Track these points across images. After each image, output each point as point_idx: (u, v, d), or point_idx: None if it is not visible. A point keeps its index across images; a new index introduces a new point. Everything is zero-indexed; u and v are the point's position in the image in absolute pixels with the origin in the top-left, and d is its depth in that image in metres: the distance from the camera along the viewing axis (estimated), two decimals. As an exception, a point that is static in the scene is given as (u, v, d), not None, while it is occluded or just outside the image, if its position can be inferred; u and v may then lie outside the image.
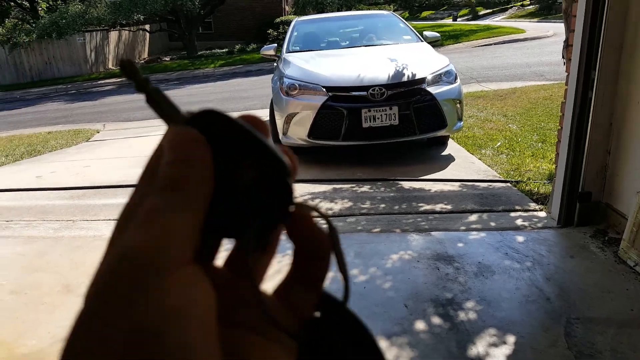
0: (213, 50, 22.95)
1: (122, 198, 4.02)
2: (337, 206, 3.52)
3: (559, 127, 3.09)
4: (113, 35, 21.51)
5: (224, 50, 22.55)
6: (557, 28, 21.14)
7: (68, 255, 3.02)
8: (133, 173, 4.81)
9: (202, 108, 0.26)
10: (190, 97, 11.36)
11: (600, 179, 2.89)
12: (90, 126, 8.47)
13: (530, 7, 38.36)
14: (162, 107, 0.26)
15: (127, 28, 21.02)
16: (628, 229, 2.48)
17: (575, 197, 2.92)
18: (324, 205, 3.55)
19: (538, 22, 28.70)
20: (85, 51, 19.66)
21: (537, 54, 13.04)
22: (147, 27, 23.21)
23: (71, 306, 2.42)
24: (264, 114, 7.49)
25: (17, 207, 4.07)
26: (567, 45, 3.45)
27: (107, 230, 3.37)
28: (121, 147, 6.32)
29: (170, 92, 12.83)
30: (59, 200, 4.14)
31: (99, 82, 17.09)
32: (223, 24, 27.54)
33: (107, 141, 6.93)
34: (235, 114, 0.27)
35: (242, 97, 10.57)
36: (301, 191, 3.89)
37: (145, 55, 25.20)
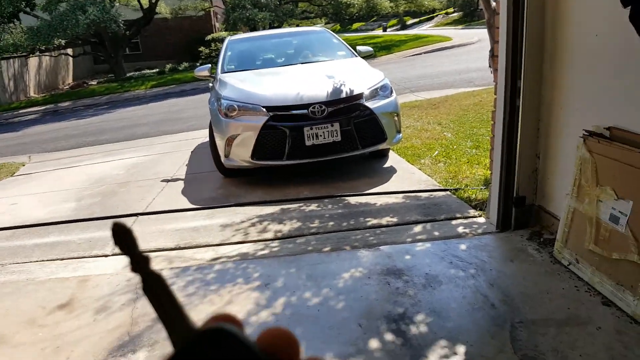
0: (143, 71, 22.24)
1: (55, 236, 3.78)
2: (285, 227, 3.50)
3: (491, 135, 3.26)
4: (32, 61, 20.25)
5: (155, 70, 21.95)
6: (481, 34, 22.39)
7: None
8: (66, 208, 4.53)
9: (214, 325, 0.22)
10: (121, 122, 10.93)
11: (532, 183, 3.07)
12: (14, 159, 7.88)
13: (454, 14, 40.52)
14: (163, 304, 0.21)
15: (47, 53, 19.89)
16: (560, 230, 2.65)
17: (510, 202, 3.07)
18: (273, 228, 3.52)
19: (462, 29, 30.32)
20: (3, 79, 18.37)
21: (464, 60, 13.75)
22: (69, 51, 22.07)
23: (4, 359, 2.23)
24: (202, 135, 7.37)
25: None
26: (493, 55, 3.66)
27: (41, 272, 3.14)
28: (50, 180, 5.94)
29: (100, 117, 12.31)
30: None
31: (21, 111, 16.00)
32: (151, 43, 26.80)
33: (34, 174, 6.48)
34: (251, 338, 0.22)
35: (178, 118, 10.30)
36: (248, 214, 3.83)
37: (70, 80, 24.02)
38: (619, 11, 2.13)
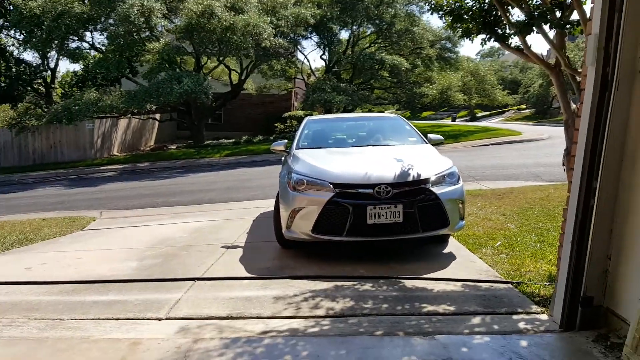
0: (220, 140, 23.83)
1: (113, 295, 3.91)
2: (338, 305, 3.46)
3: (561, 232, 3.14)
4: (122, 122, 22.25)
5: (231, 140, 23.43)
6: (552, 131, 22.12)
7: (51, 359, 2.85)
8: (127, 267, 4.74)
9: None
10: (192, 186, 11.60)
11: (601, 284, 2.89)
12: (86, 213, 8.49)
13: (526, 111, 40.40)
14: None
15: (137, 116, 21.85)
16: (630, 335, 2.43)
17: (577, 301, 2.89)
18: (325, 304, 3.49)
19: (534, 125, 30.04)
20: (93, 137, 20.24)
21: (533, 155, 13.50)
22: (157, 115, 24.22)
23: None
24: (265, 205, 7.65)
25: (1, 302, 3.87)
26: (569, 154, 3.63)
27: (95, 330, 3.22)
28: (117, 237, 6.30)
29: (173, 179, 13.19)
30: (47, 296, 3.96)
31: (101, 167, 17.42)
32: (232, 115, 28.89)
33: (103, 230, 6.91)
34: None
35: (245, 187, 10.78)
36: (301, 288, 3.84)
37: (152, 142, 26.05)
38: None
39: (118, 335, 3.14)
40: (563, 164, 4.86)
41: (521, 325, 3.03)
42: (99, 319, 3.45)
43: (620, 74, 2.71)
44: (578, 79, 3.97)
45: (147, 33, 19.65)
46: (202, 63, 22.09)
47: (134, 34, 18.67)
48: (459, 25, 4.90)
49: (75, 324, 3.39)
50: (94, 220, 7.72)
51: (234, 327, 3.17)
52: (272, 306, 3.50)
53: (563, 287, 2.95)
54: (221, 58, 21.23)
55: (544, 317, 3.13)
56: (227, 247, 5.26)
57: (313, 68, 28.42)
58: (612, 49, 2.71)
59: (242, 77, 23.38)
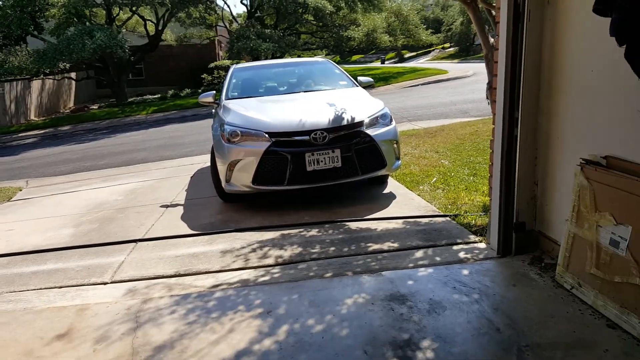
0: (144, 97, 22.53)
1: (52, 264, 3.74)
2: (286, 253, 3.49)
3: (490, 163, 3.30)
4: (35, 84, 20.49)
5: (157, 96, 22.25)
6: (476, 68, 22.93)
7: None
8: (63, 234, 4.51)
9: None
10: (121, 146, 11.00)
11: (531, 209, 3.10)
12: (11, 184, 7.86)
13: (451, 49, 41.45)
14: None
15: (51, 77, 20.14)
16: (561, 255, 2.66)
17: (510, 228, 3.10)
18: (273, 253, 3.51)
19: (458, 62, 30.98)
20: (5, 102, 18.52)
21: (460, 92, 14.00)
22: (73, 75, 22.43)
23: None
24: (202, 160, 7.42)
25: None
26: (491, 87, 3.75)
27: (38, 300, 3.08)
28: (48, 205, 5.91)
29: (99, 141, 12.41)
30: None
31: (20, 134, 16.10)
32: (154, 69, 27.26)
33: (32, 199, 6.46)
34: None
35: (178, 143, 10.37)
36: (248, 240, 3.83)
37: (71, 104, 24.26)
38: (614, 49, 2.21)
39: (63, 303, 3.00)
40: (487, 98, 5.06)
41: (461, 254, 3.22)
42: (40, 289, 3.29)
43: (531, 5, 2.78)
44: (493, 12, 4.06)
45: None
46: (114, 15, 20.39)
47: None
48: None
49: (15, 296, 3.21)
50: (20, 190, 7.16)
51: (183, 284, 3.12)
52: (220, 260, 3.47)
53: (496, 215, 3.14)
54: (134, 8, 19.67)
55: (482, 245, 3.34)
56: (167, 206, 5.09)
57: (235, 14, 27.05)
58: None
59: (159, 28, 21.91)
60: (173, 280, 3.21)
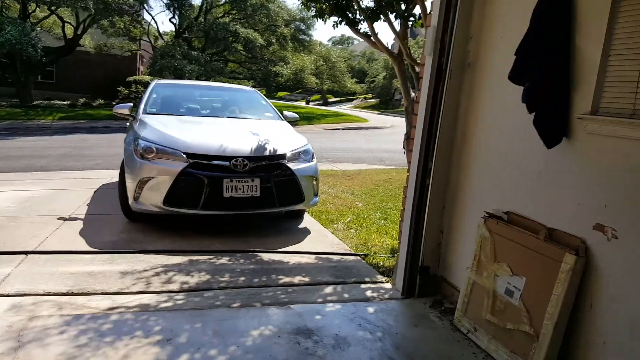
0: (52, 102, 20.92)
1: None
2: (193, 279, 3.34)
3: (402, 208, 3.47)
4: None
5: (66, 102, 20.78)
6: (394, 121, 24.34)
7: None
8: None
9: None
10: (20, 150, 10.02)
11: (436, 255, 3.29)
12: None
13: (372, 100, 43.72)
14: None
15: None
16: (461, 300, 2.83)
17: (416, 271, 3.25)
18: (179, 279, 3.34)
19: (378, 114, 32.69)
20: None
21: (378, 141, 14.73)
22: (-29, 68, 20.32)
23: None
24: (108, 175, 6.97)
25: None
26: (409, 138, 3.99)
27: None
28: None
29: (-5, 142, 11.07)
30: None
31: None
32: (68, 75, 25.53)
33: None
34: None
35: (84, 155, 9.68)
36: (152, 263, 3.61)
37: (-35, 98, 21.79)
38: (522, 114, 2.48)
39: None
40: (404, 147, 5.37)
41: (368, 293, 3.30)
42: None
43: (453, 65, 3.04)
44: (417, 69, 4.40)
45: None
46: (30, 10, 18.98)
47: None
48: (313, 4, 5.01)
49: None
50: None
51: (76, 304, 2.84)
52: (120, 281, 3.23)
53: (404, 258, 3.28)
54: (53, 7, 18.51)
55: (388, 285, 3.46)
56: (65, 219, 4.67)
57: (161, 31, 26.48)
58: (447, 42, 3.01)
59: (79, 32, 20.78)
60: (65, 298, 2.92)
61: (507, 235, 2.58)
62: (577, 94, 2.26)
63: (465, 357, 2.49)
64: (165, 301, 2.96)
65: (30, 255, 3.62)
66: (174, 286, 3.21)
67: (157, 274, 3.40)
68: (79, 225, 4.51)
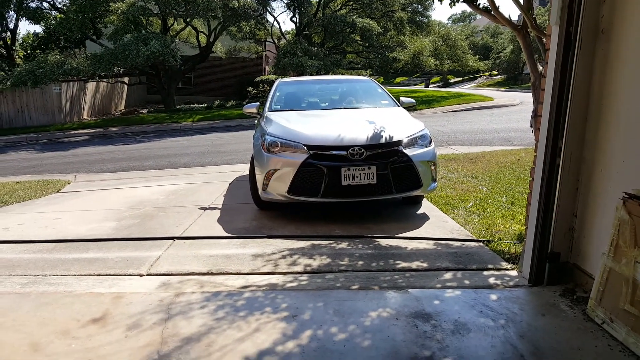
0: (192, 105, 23.34)
1: (94, 253, 3.95)
2: (315, 262, 3.55)
3: (529, 191, 3.26)
4: (90, 86, 21.67)
5: (203, 105, 22.98)
6: (523, 97, 22.50)
7: (35, 312, 2.86)
8: (106, 227, 4.74)
9: None
10: (166, 150, 11.42)
11: (567, 240, 3.04)
12: (61, 177, 8.34)
13: (498, 77, 40.84)
14: None
15: (105, 80, 21.19)
16: (595, 288, 2.59)
17: (544, 258, 3.04)
18: (303, 262, 3.57)
19: (505, 91, 30.48)
20: (61, 100, 19.65)
21: (504, 120, 13.77)
22: (125, 79, 23.56)
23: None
24: (241, 169, 7.63)
25: (-19, 259, 3.85)
26: (536, 115, 3.71)
27: (78, 285, 3.27)
28: (93, 199, 6.24)
29: (146, 144, 12.97)
30: (26, 254, 3.99)
31: (72, 132, 17.00)
32: (203, 79, 28.23)
33: (79, 193, 6.82)
34: None
35: (219, 151, 10.68)
36: (279, 247, 3.91)
37: (122, 106, 25.41)
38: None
39: (100, 290, 3.17)
40: (531, 125, 4.99)
41: (491, 280, 3.18)
42: (80, 275, 3.48)
43: (583, 34, 2.75)
44: (544, 40, 4.03)
45: (110, -8, 18.84)
46: (169, 24, 21.32)
47: (97, -7, 17.86)
48: None
49: (57, 279, 3.41)
50: (69, 184, 7.58)
51: (215, 282, 3.23)
52: (251, 263, 3.57)
53: (531, 244, 3.09)
54: (188, 19, 20.53)
55: (514, 273, 3.29)
56: (205, 209, 5.27)
57: (283, 31, 27.73)
58: (575, 8, 2.73)
59: (211, 40, 22.72)
60: (205, 277, 3.33)
61: (650, 217, 2.30)
62: None
63: (599, 349, 2.29)
64: (291, 281, 3.21)
65: (176, 241, 4.18)
66: (299, 268, 3.45)
67: (284, 257, 3.68)
68: (217, 213, 5.06)
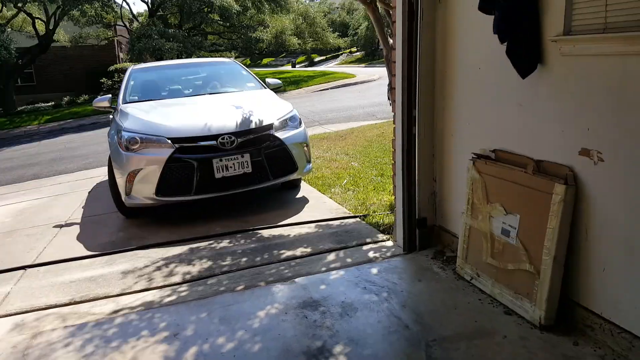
0: (36, 105, 20.61)
1: None
2: (195, 268, 3.32)
3: (393, 162, 3.41)
4: None
5: (50, 103, 20.48)
6: (381, 72, 23.80)
7: None
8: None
9: None
10: (9, 162, 9.93)
11: (432, 205, 3.24)
12: None
13: (358, 53, 42.74)
14: None
15: None
16: (460, 247, 2.81)
17: (414, 224, 3.21)
18: (181, 270, 3.32)
19: (365, 67, 32.02)
20: None
21: (367, 96, 14.45)
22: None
23: None
24: (102, 173, 6.90)
25: None
26: (391, 88, 3.87)
27: None
28: None
29: (-18, 157, 10.89)
30: None
31: None
32: (47, 74, 25.03)
33: None
34: None
35: (74, 155, 9.59)
36: (152, 258, 3.59)
37: (-53, 114, 21.54)
38: (496, 47, 2.37)
39: None
40: (388, 99, 5.24)
41: (371, 254, 3.28)
42: None
43: (424, 4, 2.90)
44: (391, 13, 4.20)
45: None
46: (-3, 11, 18.42)
47: None
48: None
49: None
50: None
51: (79, 312, 2.84)
52: (121, 282, 3.22)
53: (400, 212, 3.23)
54: (20, 4, 17.88)
55: (390, 243, 3.43)
56: (61, 226, 4.64)
57: (135, 13, 25.64)
58: None
59: (50, 27, 20.13)
60: (67, 309, 2.91)
61: (496, 174, 2.52)
62: (547, 16, 2.16)
63: (471, 305, 2.48)
64: (168, 295, 2.96)
65: (29, 270, 3.61)
66: (177, 278, 3.20)
67: (159, 268, 3.39)
68: (76, 230, 4.49)
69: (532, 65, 2.24)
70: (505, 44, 2.29)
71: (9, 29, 18.87)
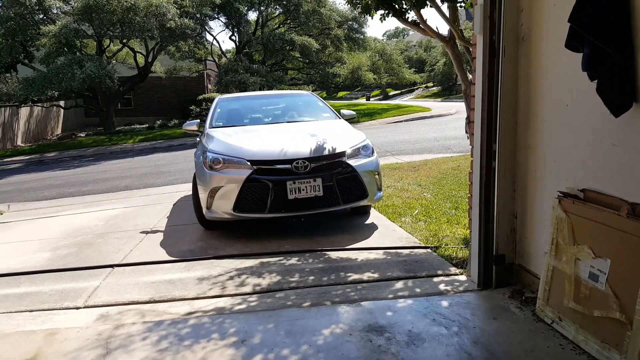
0: (133, 126, 22.53)
1: (25, 287, 3.63)
2: (264, 281, 3.42)
3: (469, 195, 3.32)
4: (24, 110, 20.47)
5: (144, 125, 22.26)
6: (458, 107, 23.46)
7: None
8: (40, 258, 4.39)
9: None
10: (105, 174, 10.87)
11: (511, 242, 3.10)
12: (-8, 208, 7.69)
13: (434, 88, 42.51)
14: None
15: (39, 104, 20.05)
16: (541, 288, 2.65)
17: (490, 260, 3.08)
18: (251, 281, 3.43)
19: (442, 101, 31.73)
20: (-7, 127, 18.37)
21: (443, 129, 14.26)
22: (61, 103, 22.44)
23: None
24: (185, 189, 7.35)
25: None
26: (469, 121, 3.82)
27: (7, 324, 2.96)
28: (27, 230, 5.77)
29: (84, 168, 12.23)
30: None
31: (5, 159, 15.88)
32: (143, 100, 27.40)
33: (11, 223, 6.29)
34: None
35: (162, 172, 10.29)
36: (226, 267, 3.75)
37: (59, 131, 24.19)
38: (586, 84, 2.29)
39: (32, 327, 2.90)
40: (466, 132, 5.15)
41: (442, 286, 3.18)
42: (10, 312, 3.17)
43: (506, 41, 2.87)
44: (471, 50, 4.19)
45: (41, 16, 17.88)
46: (105, 46, 20.56)
47: (27, 16, 16.90)
48: (358, 1, 4.95)
49: (-17, 318, 3.07)
50: (1, 214, 6.98)
51: (157, 311, 3.02)
52: (197, 287, 3.38)
53: (476, 247, 3.12)
54: (124, 40, 19.90)
55: (463, 277, 3.31)
56: (147, 232, 5.00)
57: (224, 49, 27.53)
58: (496, 18, 2.86)
59: (149, 60, 22.11)
60: (147, 306, 3.11)
61: (585, 214, 2.38)
62: (643, 52, 2.04)
63: (551, 349, 2.32)
64: (239, 303, 3.06)
65: (116, 268, 3.91)
66: (247, 288, 3.31)
67: (232, 278, 3.52)
68: (160, 237, 4.80)
69: (627, 104, 2.12)
70: (595, 81, 2.20)
71: (114, 61, 20.96)
